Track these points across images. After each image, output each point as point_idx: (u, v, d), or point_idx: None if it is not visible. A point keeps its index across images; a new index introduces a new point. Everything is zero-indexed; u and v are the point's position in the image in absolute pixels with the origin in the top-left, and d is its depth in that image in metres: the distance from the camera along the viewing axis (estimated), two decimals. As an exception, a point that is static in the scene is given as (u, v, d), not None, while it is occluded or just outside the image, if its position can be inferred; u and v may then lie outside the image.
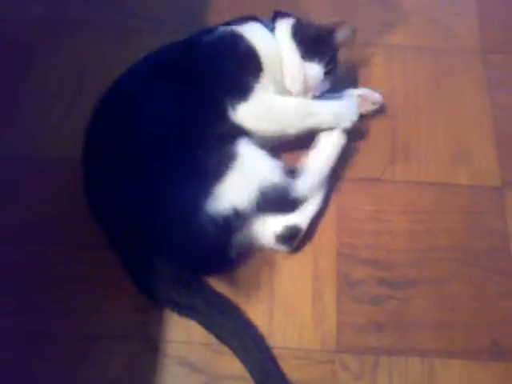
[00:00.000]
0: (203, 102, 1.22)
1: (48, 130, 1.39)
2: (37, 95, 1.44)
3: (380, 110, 1.43)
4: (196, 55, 1.27)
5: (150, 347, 1.17)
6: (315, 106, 1.29)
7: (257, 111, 1.25)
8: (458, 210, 1.34)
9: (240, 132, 1.21)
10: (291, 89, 1.28)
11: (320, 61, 1.28)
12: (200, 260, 1.18)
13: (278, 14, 1.35)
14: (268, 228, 1.22)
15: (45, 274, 1.24)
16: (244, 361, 1.14)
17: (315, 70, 1.28)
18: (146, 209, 1.13)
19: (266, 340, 1.18)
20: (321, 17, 1.46)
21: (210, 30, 1.32)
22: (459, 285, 1.26)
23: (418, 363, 1.18)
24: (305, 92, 1.28)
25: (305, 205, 1.25)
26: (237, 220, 1.14)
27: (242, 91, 1.24)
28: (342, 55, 1.38)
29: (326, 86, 1.33)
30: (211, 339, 1.17)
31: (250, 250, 1.24)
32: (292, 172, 1.23)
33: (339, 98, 1.35)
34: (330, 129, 1.29)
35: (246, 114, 1.23)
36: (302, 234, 1.25)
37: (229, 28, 1.30)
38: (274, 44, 1.31)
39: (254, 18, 1.34)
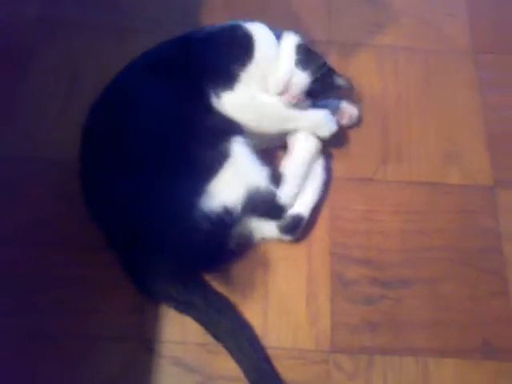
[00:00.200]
0: (195, 96, 1.23)
1: (46, 129, 1.39)
2: (34, 95, 1.44)
3: (357, 123, 1.43)
4: (193, 48, 1.29)
5: (146, 348, 1.18)
6: (297, 111, 1.29)
7: (241, 101, 1.25)
8: (450, 210, 1.34)
9: (233, 130, 1.22)
10: (271, 86, 1.28)
11: (311, 74, 1.28)
12: (196, 256, 1.18)
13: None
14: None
15: (43, 274, 1.24)
16: (239, 360, 1.15)
17: (302, 77, 1.27)
18: (142, 205, 1.13)
19: (261, 340, 1.19)
20: (313, 16, 1.48)
21: (211, 26, 1.34)
22: (452, 284, 1.27)
23: (411, 362, 1.19)
24: (283, 94, 1.28)
25: (304, 195, 1.28)
26: (229, 217, 1.15)
27: (228, 79, 1.24)
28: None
29: (307, 102, 1.31)
30: (206, 340, 1.17)
31: (250, 243, 1.26)
32: (279, 177, 1.25)
33: (323, 106, 1.35)
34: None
35: (230, 102, 1.24)
36: (305, 222, 1.26)
37: (234, 22, 1.32)
38: (273, 44, 1.31)
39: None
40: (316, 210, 1.30)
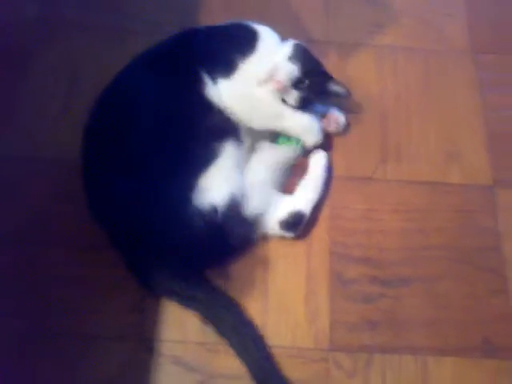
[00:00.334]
0: (194, 92, 1.24)
1: (46, 129, 1.40)
2: (34, 95, 1.45)
3: (343, 132, 1.42)
4: (195, 38, 1.33)
5: (146, 347, 1.18)
6: (289, 111, 1.30)
7: (237, 90, 1.27)
8: (449, 209, 1.35)
9: (229, 131, 1.24)
10: (259, 69, 1.28)
11: (301, 68, 1.28)
12: (195, 253, 1.19)
13: None
14: (272, 215, 1.25)
15: (43, 274, 1.24)
16: (242, 356, 1.15)
17: (290, 67, 1.27)
18: (143, 203, 1.15)
19: (260, 338, 1.20)
20: (312, 17, 1.48)
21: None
22: (451, 283, 1.27)
23: (411, 361, 1.19)
24: (270, 80, 1.28)
25: (306, 192, 1.30)
26: (217, 215, 1.16)
27: (227, 67, 1.27)
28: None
29: (293, 96, 1.30)
30: (206, 338, 1.18)
31: (251, 241, 1.26)
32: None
33: (313, 112, 1.35)
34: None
35: (226, 90, 1.26)
36: (306, 219, 1.27)
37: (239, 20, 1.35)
38: (276, 43, 1.34)
39: None
40: (316, 208, 1.31)
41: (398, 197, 1.36)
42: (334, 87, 1.34)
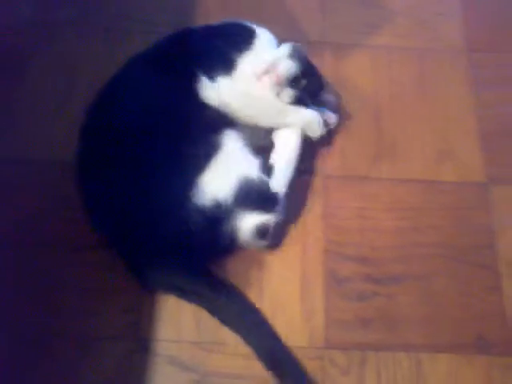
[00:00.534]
0: (191, 89, 1.25)
1: (42, 131, 1.40)
2: (31, 98, 1.45)
3: (333, 130, 1.41)
4: (191, 36, 1.35)
5: (141, 347, 1.18)
6: (291, 107, 1.31)
7: (237, 88, 1.27)
8: (443, 207, 1.35)
9: (226, 124, 1.24)
10: (256, 65, 1.29)
11: (297, 64, 1.29)
12: (194, 250, 1.19)
13: None
14: (244, 224, 1.22)
15: (41, 275, 1.24)
16: (251, 343, 1.16)
17: (289, 63, 1.28)
18: (141, 202, 1.16)
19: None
20: (307, 17, 1.49)
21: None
22: (446, 280, 1.27)
23: (405, 358, 1.19)
24: (268, 73, 1.28)
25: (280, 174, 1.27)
26: (221, 210, 1.17)
27: (225, 64, 1.27)
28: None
29: (288, 94, 1.31)
30: (201, 338, 1.19)
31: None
32: (270, 169, 1.26)
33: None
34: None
35: (225, 88, 1.26)
36: (282, 199, 1.24)
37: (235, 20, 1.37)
38: (273, 41, 1.36)
39: None
40: (310, 208, 1.32)
41: (392, 195, 1.36)
42: (326, 96, 1.36)
